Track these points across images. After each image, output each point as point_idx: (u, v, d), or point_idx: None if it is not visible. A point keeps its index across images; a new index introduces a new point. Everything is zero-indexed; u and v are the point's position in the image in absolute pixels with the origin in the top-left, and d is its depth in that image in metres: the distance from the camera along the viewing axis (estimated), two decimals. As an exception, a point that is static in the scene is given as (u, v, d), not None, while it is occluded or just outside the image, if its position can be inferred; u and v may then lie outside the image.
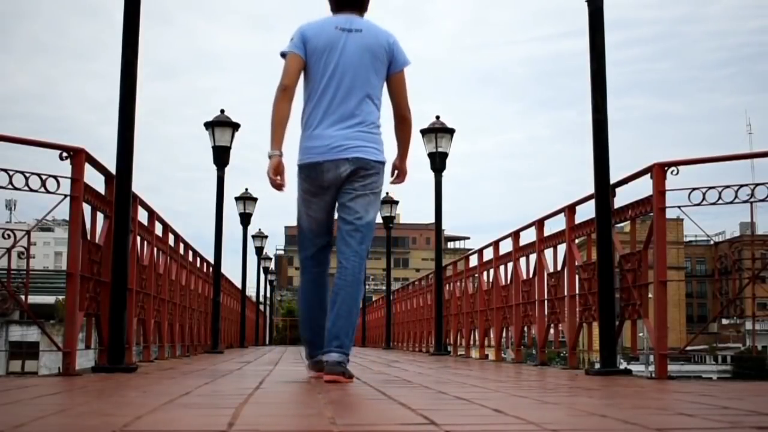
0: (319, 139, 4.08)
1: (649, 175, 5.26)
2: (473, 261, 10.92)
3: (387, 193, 18.24)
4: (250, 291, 27.61)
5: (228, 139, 11.75)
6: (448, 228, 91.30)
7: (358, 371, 5.15)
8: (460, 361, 8.91)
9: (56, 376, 4.87)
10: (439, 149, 11.59)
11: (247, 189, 19.10)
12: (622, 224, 5.92)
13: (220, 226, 11.82)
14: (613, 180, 5.55)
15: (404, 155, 4.41)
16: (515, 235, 8.63)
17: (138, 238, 6.98)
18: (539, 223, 7.84)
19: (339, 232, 4.17)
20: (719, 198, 5.00)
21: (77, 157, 4.93)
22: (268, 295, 36.53)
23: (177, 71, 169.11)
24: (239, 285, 18.59)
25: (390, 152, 4.31)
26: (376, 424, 2.23)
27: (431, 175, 11.63)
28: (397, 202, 19.19)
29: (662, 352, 5.07)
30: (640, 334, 6.00)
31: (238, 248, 19.52)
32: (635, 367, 16.14)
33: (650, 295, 5.40)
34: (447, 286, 12.24)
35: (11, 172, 4.55)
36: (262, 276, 30.79)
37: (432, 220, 12.34)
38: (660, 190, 5.18)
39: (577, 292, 6.65)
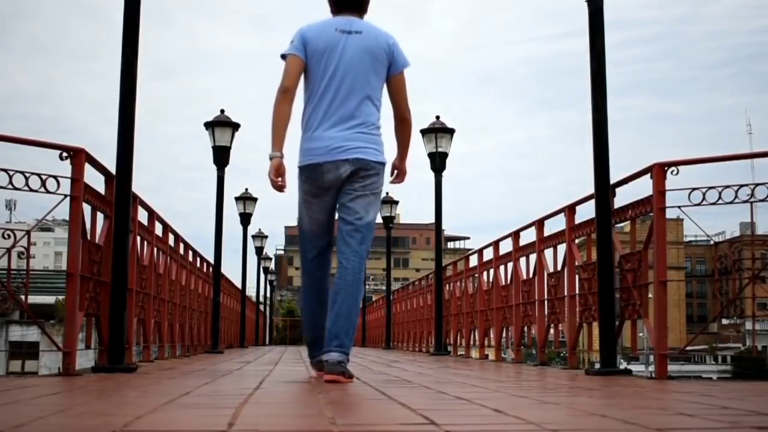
0: (319, 141, 4.09)
1: (649, 175, 5.26)
2: (473, 261, 10.92)
3: (387, 193, 18.24)
4: (250, 291, 27.64)
5: (228, 139, 11.75)
6: (448, 228, 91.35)
7: (358, 371, 5.15)
8: (460, 361, 8.91)
9: (56, 376, 4.87)
10: (439, 149, 11.59)
11: (247, 189, 19.12)
12: (622, 224, 5.92)
13: (220, 226, 11.83)
14: (613, 180, 5.55)
15: (404, 155, 4.43)
16: (515, 235, 8.63)
17: (138, 238, 6.98)
18: (539, 223, 7.84)
19: (339, 233, 4.17)
20: (719, 198, 5.00)
21: (77, 157, 4.93)
22: (268, 295, 36.53)
23: (177, 71, 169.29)
24: (239, 285, 18.60)
25: (390, 153, 4.33)
26: (376, 424, 2.23)
27: (431, 175, 11.64)
28: (397, 202, 19.20)
29: (662, 352, 5.07)
30: (640, 334, 6.00)
31: (238, 248, 19.55)
32: (635, 367, 16.15)
33: (650, 295, 5.40)
34: (447, 286, 12.24)
35: (11, 172, 4.55)
36: (262, 276, 30.82)
37: (432, 220, 12.34)
38: (660, 190, 5.18)
39: (577, 292, 6.65)
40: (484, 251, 10.19)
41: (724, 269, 5.46)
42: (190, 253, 10.52)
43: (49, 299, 31.39)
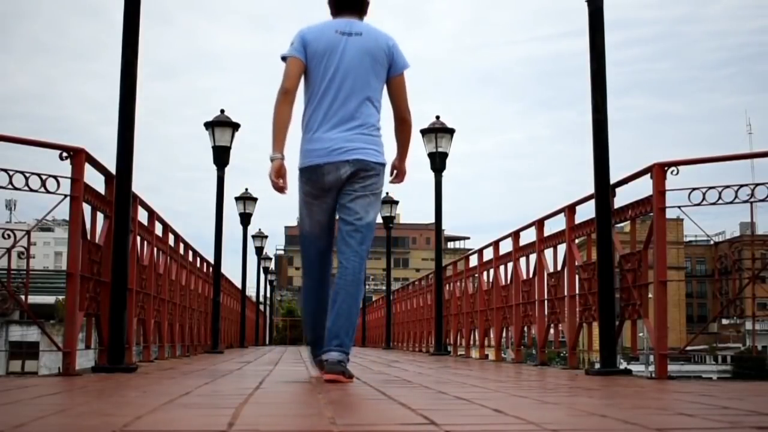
0: (320, 142, 4.10)
1: (649, 175, 5.26)
2: (473, 261, 10.92)
3: (387, 193, 18.24)
4: (250, 291, 27.64)
5: (228, 139, 11.75)
6: (448, 228, 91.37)
7: (358, 371, 5.15)
8: (460, 361, 8.91)
9: (56, 376, 4.88)
10: (439, 149, 11.59)
11: (247, 189, 19.12)
12: (622, 224, 5.92)
13: (220, 226, 11.83)
14: (613, 180, 5.55)
15: (403, 156, 4.45)
16: (515, 235, 8.63)
17: (138, 238, 6.98)
18: (539, 223, 7.84)
19: (339, 233, 4.18)
20: (719, 198, 5.00)
21: (77, 157, 4.93)
22: (268, 295, 36.54)
23: (177, 71, 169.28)
24: (239, 285, 18.60)
25: (390, 154, 4.35)
26: (376, 424, 2.23)
27: (431, 175, 11.64)
28: (397, 202, 19.20)
29: (662, 352, 5.07)
30: (640, 334, 6.00)
31: (238, 248, 19.55)
32: (635, 367, 16.15)
33: (650, 295, 5.40)
34: (447, 286, 12.24)
35: (11, 172, 4.56)
36: (262, 276, 30.83)
37: (432, 220, 12.34)
38: (660, 190, 5.18)
39: (577, 292, 6.65)
40: (484, 251, 10.20)
41: (724, 269, 5.46)
42: (190, 253, 10.52)
43: (49, 299, 31.39)
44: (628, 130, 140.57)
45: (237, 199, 18.79)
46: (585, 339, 7.23)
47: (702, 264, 75.70)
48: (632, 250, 5.59)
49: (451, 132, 11.79)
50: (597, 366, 5.48)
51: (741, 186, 4.95)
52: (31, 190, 4.64)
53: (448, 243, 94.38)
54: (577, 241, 6.98)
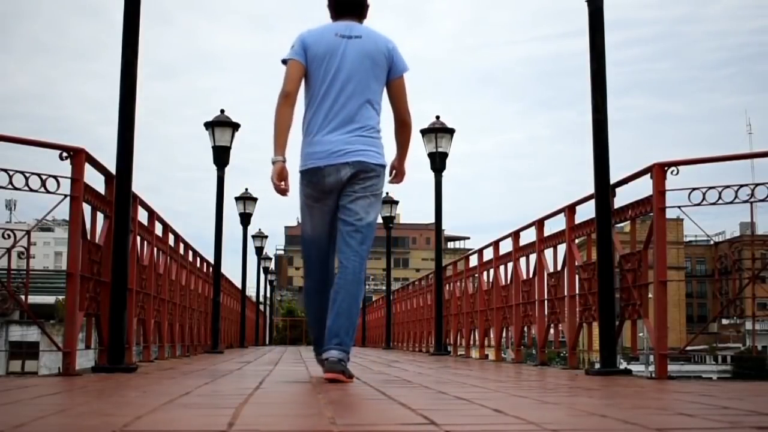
0: (320, 145, 4.12)
1: (649, 175, 5.26)
2: (473, 261, 10.92)
3: (387, 194, 18.24)
4: (250, 291, 27.64)
5: (228, 139, 11.75)
6: (448, 228, 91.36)
7: (358, 371, 5.15)
8: (460, 361, 8.91)
9: (56, 376, 4.88)
10: (439, 149, 11.59)
11: (247, 189, 19.12)
12: (622, 224, 5.92)
13: (220, 226, 11.83)
14: (613, 180, 5.55)
15: (403, 157, 4.47)
16: (515, 235, 8.63)
17: (138, 238, 6.98)
18: (539, 223, 7.84)
19: (339, 233, 4.19)
20: (719, 198, 5.00)
21: (77, 157, 4.93)
22: (268, 295, 36.54)
23: (177, 71, 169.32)
24: (239, 285, 18.60)
25: (390, 155, 4.37)
26: (376, 424, 2.23)
27: (431, 175, 11.64)
28: (397, 202, 19.20)
29: (662, 352, 5.07)
30: (640, 334, 6.00)
31: (238, 248, 19.56)
32: (635, 367, 16.15)
33: (650, 295, 5.40)
34: (447, 286, 12.24)
35: (11, 172, 4.55)
36: (262, 276, 30.83)
37: (432, 220, 12.34)
38: (660, 190, 5.18)
39: (577, 292, 6.65)
40: (484, 251, 10.20)
41: (724, 269, 5.46)
42: (190, 253, 10.52)
43: (49, 299, 31.39)
44: (628, 130, 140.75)
45: (237, 199, 18.79)
46: (585, 339, 7.23)
47: (702, 264, 75.71)
48: (632, 250, 5.59)
49: (451, 132, 11.79)
50: (597, 366, 5.48)
51: (741, 186, 4.95)
52: (31, 190, 4.64)
53: (448, 243, 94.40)
54: (577, 241, 6.98)
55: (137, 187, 5.58)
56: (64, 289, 5.04)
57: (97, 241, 5.36)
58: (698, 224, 7.59)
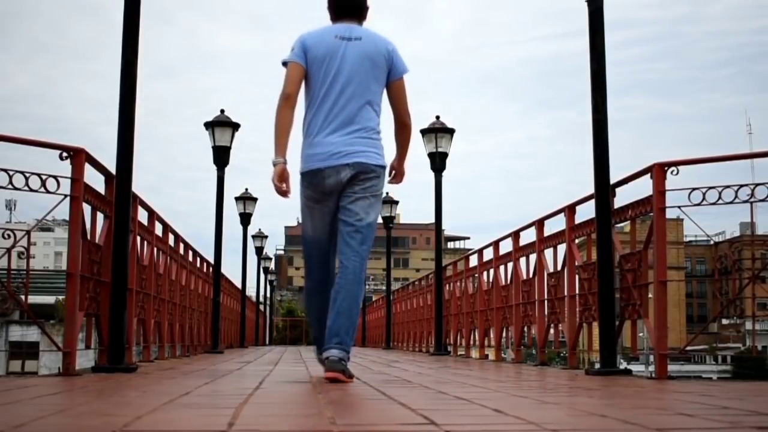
0: (320, 146, 4.13)
1: (649, 175, 5.26)
2: (473, 261, 10.92)
3: (387, 194, 18.24)
4: (250, 291, 27.63)
5: (228, 139, 11.76)
6: (448, 228, 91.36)
7: (358, 371, 5.15)
8: (460, 361, 8.91)
9: (56, 376, 4.88)
10: (439, 149, 11.59)
11: (247, 189, 19.12)
12: (622, 224, 5.92)
13: (220, 226, 11.83)
14: (613, 180, 5.55)
15: (403, 157, 4.48)
16: (515, 235, 8.63)
17: (138, 238, 6.98)
18: (539, 223, 7.84)
19: (340, 234, 4.20)
20: (719, 198, 5.00)
21: (77, 157, 4.93)
22: (268, 295, 36.53)
23: (177, 71, 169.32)
24: (239, 285, 18.60)
25: (390, 156, 4.39)
26: (376, 424, 2.23)
27: (431, 175, 11.64)
28: (397, 202, 19.20)
29: (662, 352, 5.07)
30: (640, 334, 6.00)
31: (238, 248, 19.56)
32: (635, 367, 16.15)
33: (650, 295, 5.40)
34: (447, 286, 12.24)
35: (11, 172, 4.56)
36: (262, 276, 30.82)
37: (432, 220, 12.34)
38: (660, 190, 5.18)
39: (577, 292, 6.65)
40: (484, 251, 10.20)
41: (724, 269, 5.46)
42: (190, 253, 10.52)
43: (49, 299, 31.39)
44: (628, 130, 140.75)
45: (237, 199, 18.79)
46: (585, 339, 7.23)
47: (702, 264, 75.71)
48: (632, 250, 5.59)
49: (451, 132, 11.79)
50: (597, 366, 5.48)
51: (741, 186, 4.95)
52: (31, 190, 4.64)
53: (448, 243, 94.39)
54: (577, 241, 6.98)
55: (137, 187, 5.59)
56: (64, 289, 5.04)
57: (97, 241, 5.36)
58: (698, 224, 7.61)
